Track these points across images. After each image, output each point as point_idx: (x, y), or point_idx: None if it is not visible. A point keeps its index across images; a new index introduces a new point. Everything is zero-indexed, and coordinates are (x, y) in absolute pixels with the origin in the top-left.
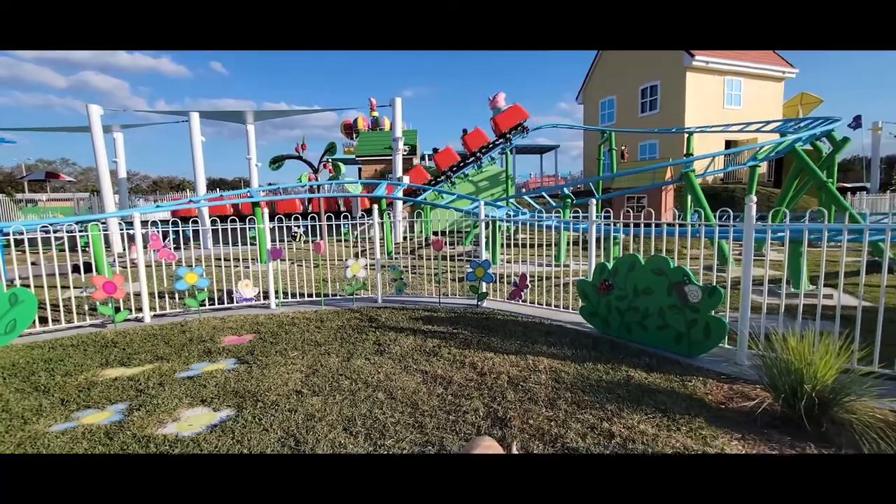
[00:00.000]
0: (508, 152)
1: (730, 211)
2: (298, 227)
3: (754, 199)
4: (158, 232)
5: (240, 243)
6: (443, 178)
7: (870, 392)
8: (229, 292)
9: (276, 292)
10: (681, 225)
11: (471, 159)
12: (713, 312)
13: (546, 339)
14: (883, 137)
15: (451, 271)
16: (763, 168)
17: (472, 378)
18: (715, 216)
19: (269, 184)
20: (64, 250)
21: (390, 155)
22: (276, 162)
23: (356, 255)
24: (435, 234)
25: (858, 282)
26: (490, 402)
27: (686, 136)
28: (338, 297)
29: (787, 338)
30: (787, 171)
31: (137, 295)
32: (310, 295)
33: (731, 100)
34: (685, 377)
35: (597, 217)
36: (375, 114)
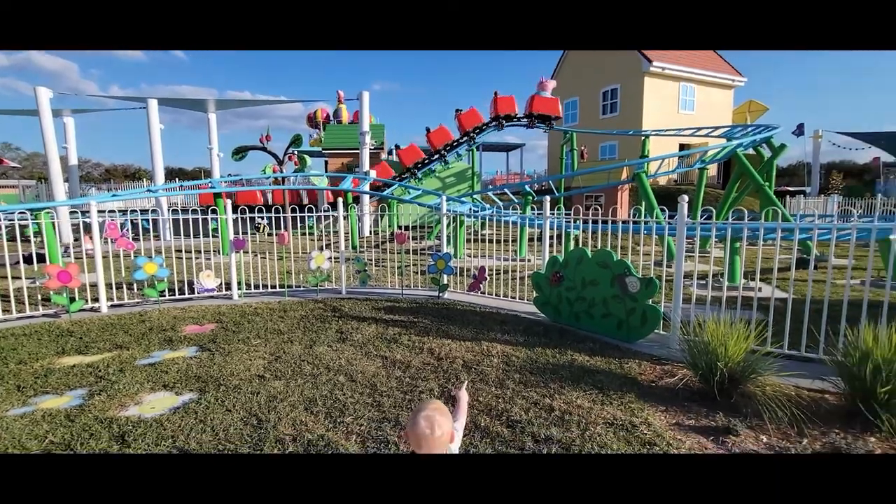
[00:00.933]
0: (475, 150)
1: (665, 209)
2: (262, 218)
3: (686, 198)
4: (116, 221)
5: (202, 234)
6: (465, 139)
7: (771, 369)
8: (190, 283)
9: (239, 283)
10: (623, 222)
11: (493, 123)
12: (650, 301)
13: (501, 328)
14: (823, 145)
15: (415, 265)
16: (713, 171)
17: (430, 362)
18: (664, 215)
19: (230, 174)
20: (14, 239)
21: (357, 148)
22: (240, 153)
23: (321, 248)
24: (399, 228)
25: (787, 276)
26: (444, 382)
27: (642, 138)
28: (302, 289)
29: (709, 323)
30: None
31: (94, 285)
32: (273, 286)
33: (686, 105)
34: (623, 360)
35: (550, 214)
36: (343, 106)
